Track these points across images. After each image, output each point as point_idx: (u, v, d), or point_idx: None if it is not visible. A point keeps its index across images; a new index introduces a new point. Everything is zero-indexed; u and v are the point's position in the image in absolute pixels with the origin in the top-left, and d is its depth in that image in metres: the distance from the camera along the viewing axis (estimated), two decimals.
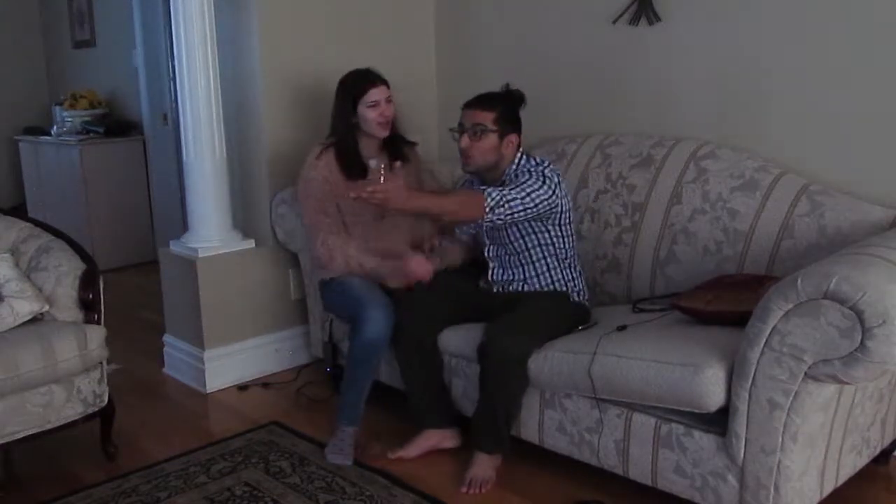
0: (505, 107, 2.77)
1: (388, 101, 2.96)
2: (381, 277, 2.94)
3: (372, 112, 2.92)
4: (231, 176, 3.52)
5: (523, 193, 2.65)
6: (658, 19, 3.19)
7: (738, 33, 2.98)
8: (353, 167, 2.98)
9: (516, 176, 2.76)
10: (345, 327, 3.27)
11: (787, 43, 2.86)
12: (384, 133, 2.98)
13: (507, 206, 2.62)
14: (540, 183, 2.68)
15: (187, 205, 3.54)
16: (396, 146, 3.08)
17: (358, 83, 2.94)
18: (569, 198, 2.85)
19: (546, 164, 2.79)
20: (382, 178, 2.57)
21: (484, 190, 2.66)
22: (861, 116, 2.73)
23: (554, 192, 2.71)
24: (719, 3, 3.02)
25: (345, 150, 2.98)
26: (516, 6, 3.70)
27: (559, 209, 2.76)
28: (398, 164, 2.98)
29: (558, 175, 2.79)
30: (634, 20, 3.24)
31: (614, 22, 3.30)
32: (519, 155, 2.81)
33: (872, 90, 2.69)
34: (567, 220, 2.82)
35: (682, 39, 3.14)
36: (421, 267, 2.85)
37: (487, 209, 2.60)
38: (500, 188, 2.66)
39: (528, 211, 2.66)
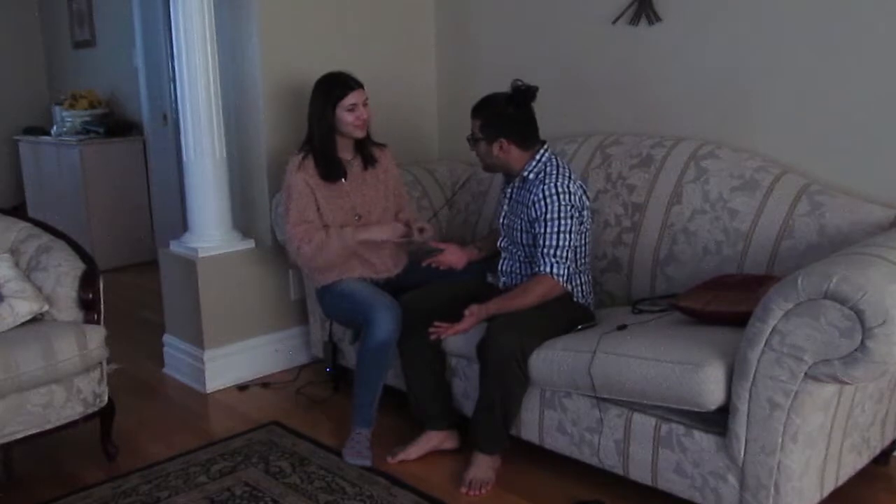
0: (489, 113, 2.78)
1: (365, 104, 3.04)
2: (376, 244, 3.04)
3: (350, 115, 3.00)
4: (231, 176, 3.52)
5: (566, 240, 2.67)
6: (658, 19, 3.19)
7: (738, 33, 2.98)
8: (331, 167, 3.04)
9: (537, 177, 2.74)
10: (345, 327, 3.28)
11: (787, 42, 2.86)
12: (361, 133, 3.06)
13: (564, 258, 2.67)
14: (569, 213, 2.68)
15: (187, 205, 3.54)
16: (368, 148, 3.15)
17: (337, 88, 3.01)
18: (589, 210, 2.83)
19: (568, 176, 2.74)
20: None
21: (541, 272, 2.67)
22: (861, 116, 2.73)
23: (581, 215, 2.73)
24: (719, 2, 3.02)
25: (323, 151, 3.03)
26: (516, 7, 3.70)
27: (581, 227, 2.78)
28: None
29: (583, 189, 2.79)
30: (634, 20, 3.24)
31: (614, 22, 3.31)
32: (543, 152, 2.78)
33: (872, 90, 2.70)
34: (584, 230, 2.80)
35: (682, 39, 3.14)
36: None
37: (560, 277, 2.67)
38: (546, 251, 2.67)
39: (574, 241, 2.71)
